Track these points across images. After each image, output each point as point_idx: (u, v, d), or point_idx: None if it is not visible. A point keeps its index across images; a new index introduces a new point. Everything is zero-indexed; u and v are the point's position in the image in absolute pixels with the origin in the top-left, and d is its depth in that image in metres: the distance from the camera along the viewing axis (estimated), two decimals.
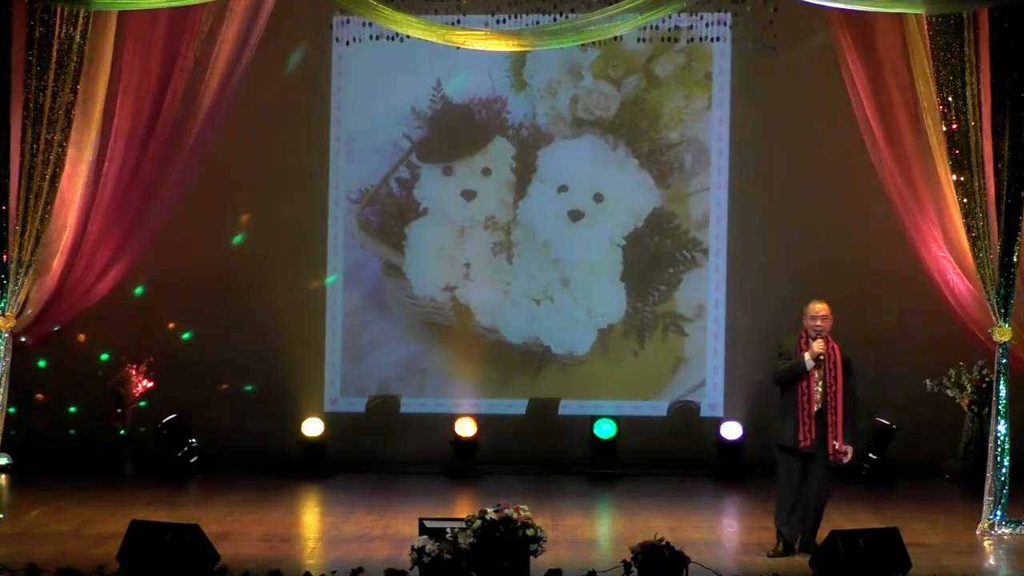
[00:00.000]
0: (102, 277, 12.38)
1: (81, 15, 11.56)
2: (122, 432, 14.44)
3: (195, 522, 9.62)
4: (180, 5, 11.78)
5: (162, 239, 13.17)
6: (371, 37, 12.32)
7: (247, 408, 14.91)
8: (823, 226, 14.70)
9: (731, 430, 14.53)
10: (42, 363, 14.67)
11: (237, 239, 14.99)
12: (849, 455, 10.46)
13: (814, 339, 10.48)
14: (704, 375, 15.06)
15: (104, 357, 14.76)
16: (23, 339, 11.94)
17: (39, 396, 14.86)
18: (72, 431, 14.95)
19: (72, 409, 14.99)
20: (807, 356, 10.43)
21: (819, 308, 10.57)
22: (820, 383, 10.43)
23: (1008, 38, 11.26)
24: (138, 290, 14.72)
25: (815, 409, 10.40)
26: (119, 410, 14.46)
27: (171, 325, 14.99)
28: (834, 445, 10.36)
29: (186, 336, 14.99)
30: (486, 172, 15.16)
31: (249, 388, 15.02)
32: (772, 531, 10.69)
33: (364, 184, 15.16)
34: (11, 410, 11.79)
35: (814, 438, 10.40)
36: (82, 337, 14.66)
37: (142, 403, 14.47)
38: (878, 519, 11.98)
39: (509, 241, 15.13)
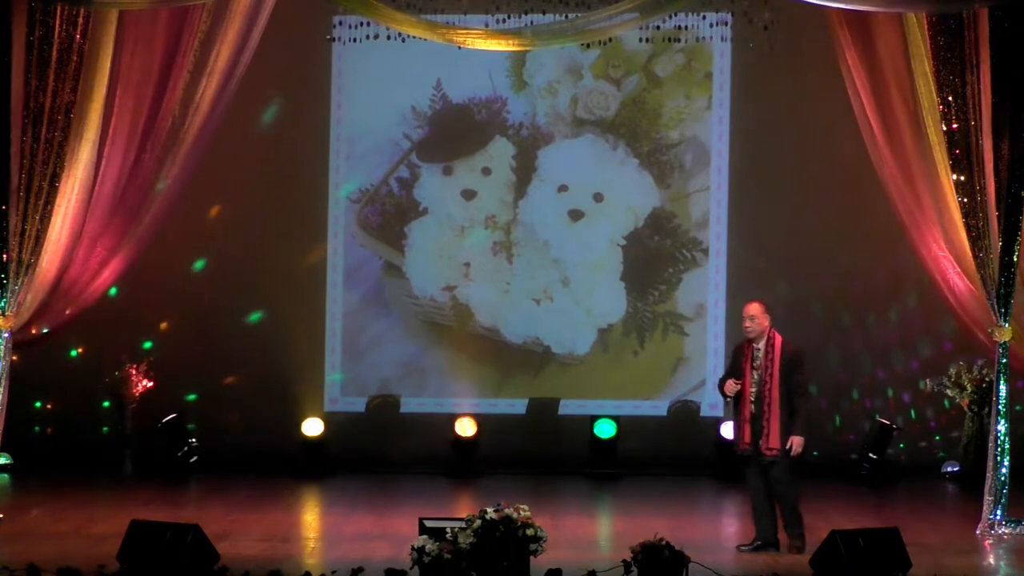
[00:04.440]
0: (98, 276, 12.34)
1: (81, 15, 11.55)
2: (122, 432, 14.46)
3: (195, 522, 9.61)
4: (180, 5, 11.78)
5: (161, 239, 13.15)
6: (371, 37, 12.30)
7: (247, 408, 14.90)
8: (823, 226, 14.69)
9: (731, 430, 14.49)
10: (40, 363, 14.64)
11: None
12: (794, 447, 10.27)
13: (748, 341, 10.47)
14: (704, 375, 15.04)
15: (102, 357, 14.74)
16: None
17: (39, 396, 14.85)
18: (72, 431, 14.93)
19: (72, 409, 14.97)
20: (726, 391, 10.51)
21: (746, 308, 10.55)
22: (755, 387, 10.44)
23: (1008, 38, 11.25)
24: (135, 289, 14.72)
25: (749, 413, 10.43)
26: (119, 410, 14.47)
27: (171, 325, 14.99)
28: (760, 444, 10.36)
29: (185, 336, 14.96)
30: (486, 172, 15.16)
31: (249, 388, 15.00)
32: None
33: (364, 184, 15.15)
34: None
35: (748, 441, 10.44)
36: (81, 337, 14.63)
37: (142, 403, 14.47)
38: (878, 519, 11.97)
39: (509, 241, 15.13)
